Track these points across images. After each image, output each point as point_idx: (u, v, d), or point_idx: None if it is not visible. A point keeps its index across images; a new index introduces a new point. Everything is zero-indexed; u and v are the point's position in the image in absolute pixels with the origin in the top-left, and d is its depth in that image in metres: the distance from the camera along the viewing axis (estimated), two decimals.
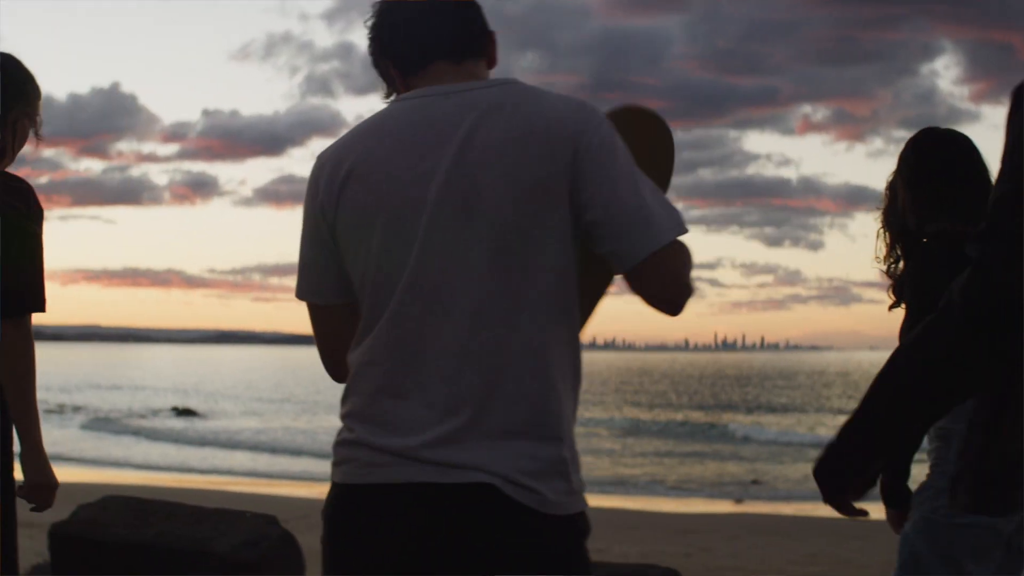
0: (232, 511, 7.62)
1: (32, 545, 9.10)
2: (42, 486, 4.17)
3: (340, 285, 2.95)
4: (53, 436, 40.69)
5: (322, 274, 2.98)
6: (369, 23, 3.03)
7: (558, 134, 2.77)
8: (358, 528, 2.80)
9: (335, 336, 3.02)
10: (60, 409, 55.72)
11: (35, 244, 4.10)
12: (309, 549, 7.88)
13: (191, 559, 7.05)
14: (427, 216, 2.77)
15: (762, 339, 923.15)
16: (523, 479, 2.70)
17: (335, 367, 3.04)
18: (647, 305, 2.82)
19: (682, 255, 2.81)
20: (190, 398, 67.22)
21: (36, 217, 4.15)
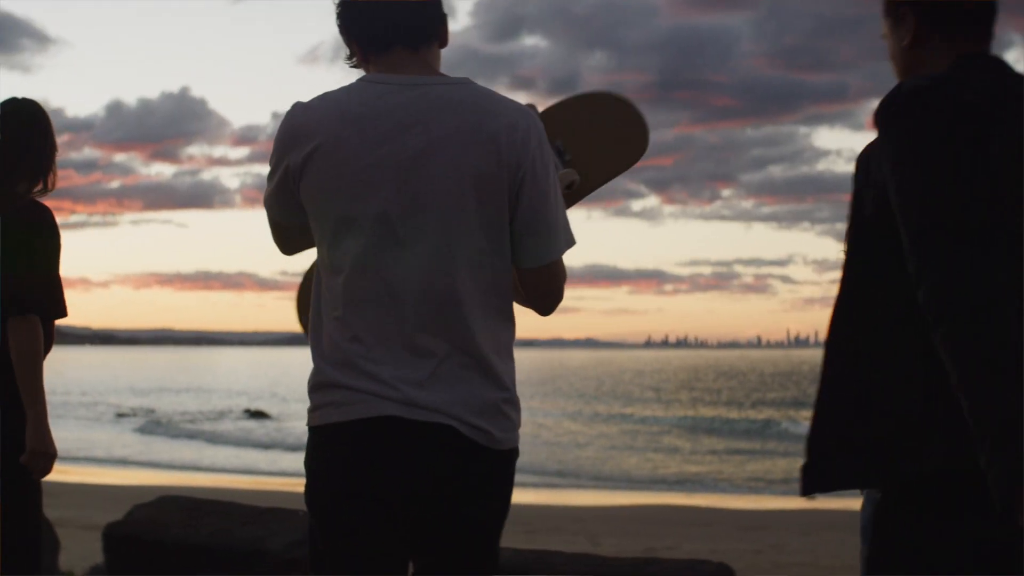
0: (285, 510, 7.55)
1: (96, 546, 9.07)
2: (39, 453, 4.75)
3: (299, 214, 3.36)
4: (124, 439, 41.03)
5: (284, 206, 3.39)
6: (337, 2, 3.37)
7: (508, 137, 3.19)
8: (337, 460, 3.23)
9: (287, 237, 3.52)
10: (133, 412, 55.95)
11: (35, 256, 4.82)
12: None
13: (244, 558, 6.99)
14: (380, 200, 3.18)
15: None
16: (475, 420, 3.19)
17: (285, 251, 3.58)
18: (527, 300, 3.43)
19: (562, 268, 3.38)
20: (262, 400, 67.46)
21: (45, 233, 4.86)
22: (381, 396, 3.15)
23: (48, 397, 4.81)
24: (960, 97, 2.84)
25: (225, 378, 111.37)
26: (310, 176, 3.23)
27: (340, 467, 3.21)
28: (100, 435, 42.72)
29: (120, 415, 54.41)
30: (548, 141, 3.34)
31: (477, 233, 3.19)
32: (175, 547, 7.21)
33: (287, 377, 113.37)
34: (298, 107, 3.34)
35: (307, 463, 3.31)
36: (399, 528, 3.24)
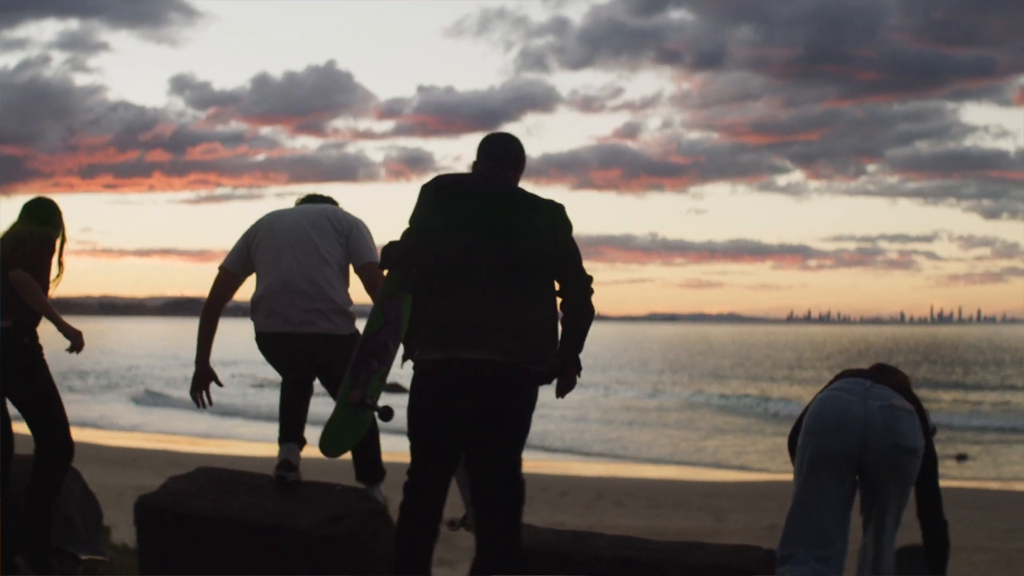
0: (322, 484, 7.22)
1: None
2: (72, 335, 7.31)
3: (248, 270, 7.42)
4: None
5: (242, 261, 7.37)
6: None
7: (344, 221, 7.32)
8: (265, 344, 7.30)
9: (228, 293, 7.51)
10: None
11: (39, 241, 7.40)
12: None
13: (272, 534, 6.66)
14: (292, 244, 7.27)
15: (979, 312, 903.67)
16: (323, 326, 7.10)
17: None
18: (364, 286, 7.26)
19: (378, 268, 6.84)
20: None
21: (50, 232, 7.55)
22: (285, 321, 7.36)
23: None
24: (445, 182, 5.97)
25: None
26: (260, 245, 7.40)
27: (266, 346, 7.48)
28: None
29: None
30: None
31: (339, 259, 7.31)
32: (203, 521, 6.91)
33: None
34: (258, 223, 7.51)
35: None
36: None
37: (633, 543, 6.23)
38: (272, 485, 7.03)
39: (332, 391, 7.04)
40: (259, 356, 7.32)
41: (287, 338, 7.09)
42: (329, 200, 7.62)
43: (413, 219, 5.94)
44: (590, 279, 6.04)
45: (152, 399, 50.63)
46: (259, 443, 29.24)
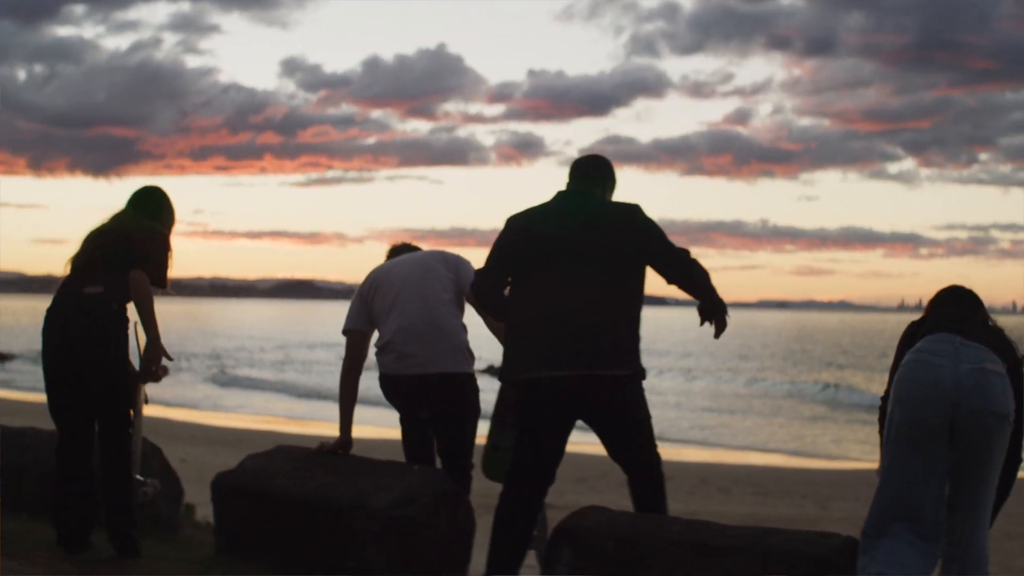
0: (398, 464, 7.19)
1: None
2: (151, 360, 7.04)
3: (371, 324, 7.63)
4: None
5: (364, 317, 7.60)
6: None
7: (449, 257, 7.69)
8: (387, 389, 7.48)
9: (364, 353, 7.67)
10: None
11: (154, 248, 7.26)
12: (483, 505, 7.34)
13: (346, 514, 6.61)
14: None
15: None
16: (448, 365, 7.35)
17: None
18: None
19: None
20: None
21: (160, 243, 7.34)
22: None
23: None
24: (516, 217, 6.58)
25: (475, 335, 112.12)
26: (377, 298, 7.64)
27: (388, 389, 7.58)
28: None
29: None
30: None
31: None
32: (279, 499, 6.92)
33: None
34: (372, 274, 7.79)
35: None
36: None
37: (709, 528, 6.06)
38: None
39: (439, 433, 7.40)
40: None
41: (415, 379, 7.28)
42: (419, 249, 8.00)
43: (490, 256, 6.63)
44: (686, 251, 6.43)
45: (234, 380, 50.96)
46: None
